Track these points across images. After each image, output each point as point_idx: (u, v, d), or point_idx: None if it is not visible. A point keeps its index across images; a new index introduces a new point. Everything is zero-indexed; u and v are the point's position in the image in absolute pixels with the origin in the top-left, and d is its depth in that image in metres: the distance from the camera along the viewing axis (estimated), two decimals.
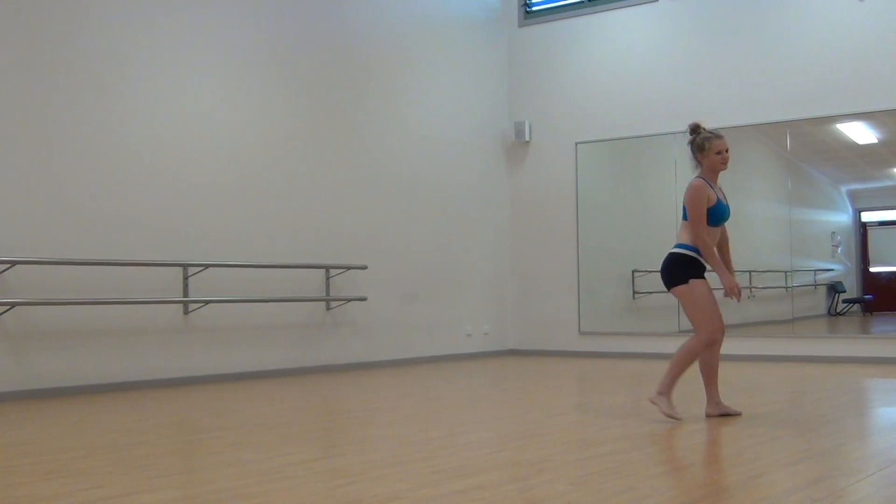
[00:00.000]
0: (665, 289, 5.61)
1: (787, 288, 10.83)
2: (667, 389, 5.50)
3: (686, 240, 5.44)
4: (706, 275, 5.52)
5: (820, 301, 11.59)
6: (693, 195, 5.39)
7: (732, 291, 5.37)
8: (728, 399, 6.84)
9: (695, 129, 5.59)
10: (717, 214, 5.44)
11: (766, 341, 10.62)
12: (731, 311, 11.60)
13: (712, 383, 5.68)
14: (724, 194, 5.61)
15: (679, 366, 5.50)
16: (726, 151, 5.52)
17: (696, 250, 5.40)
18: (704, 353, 5.60)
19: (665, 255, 5.57)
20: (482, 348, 11.68)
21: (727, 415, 5.67)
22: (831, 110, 10.23)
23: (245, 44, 9.16)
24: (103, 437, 5.27)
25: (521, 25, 12.26)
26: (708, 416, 5.67)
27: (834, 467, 4.15)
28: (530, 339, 12.00)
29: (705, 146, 5.51)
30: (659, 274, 5.64)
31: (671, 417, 5.43)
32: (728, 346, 10.62)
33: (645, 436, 5.02)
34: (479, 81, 11.90)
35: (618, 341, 11.31)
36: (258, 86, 9.27)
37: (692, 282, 5.38)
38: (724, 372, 8.97)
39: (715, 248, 5.48)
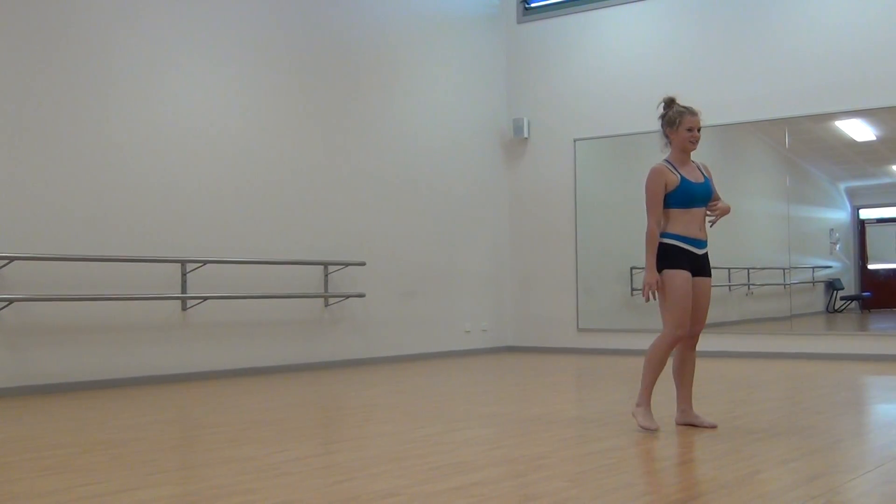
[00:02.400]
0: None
1: (785, 285, 10.83)
2: (644, 400, 5.07)
3: (665, 227, 5.08)
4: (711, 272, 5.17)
5: (818, 298, 11.60)
6: (648, 179, 5.13)
7: (644, 289, 5.00)
8: (728, 396, 6.85)
9: (669, 103, 5.30)
10: (683, 195, 5.05)
11: (764, 338, 10.62)
12: (729, 308, 11.65)
13: (685, 386, 5.24)
14: (705, 172, 5.26)
15: (650, 371, 5.08)
16: (698, 130, 5.21)
17: (677, 237, 5.02)
18: (676, 354, 5.22)
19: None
20: (480, 345, 11.68)
21: (694, 426, 5.18)
22: (830, 107, 10.23)
23: (242, 41, 9.15)
24: (101, 433, 5.27)
25: (519, 22, 12.25)
26: (676, 423, 5.26)
27: (831, 464, 4.16)
28: (528, 336, 12.00)
29: (677, 121, 5.22)
30: None
31: (646, 429, 4.98)
32: (726, 343, 10.72)
33: (643, 432, 5.02)
34: (478, 78, 11.89)
35: (616, 338, 11.31)
36: (256, 82, 9.26)
37: (665, 273, 4.99)
38: (724, 368, 8.99)
39: (687, 233, 5.04)
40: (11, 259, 7.17)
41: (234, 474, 4.00)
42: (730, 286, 11.47)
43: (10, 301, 7.16)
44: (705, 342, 10.72)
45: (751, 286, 11.48)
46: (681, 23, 11.15)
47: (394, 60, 10.76)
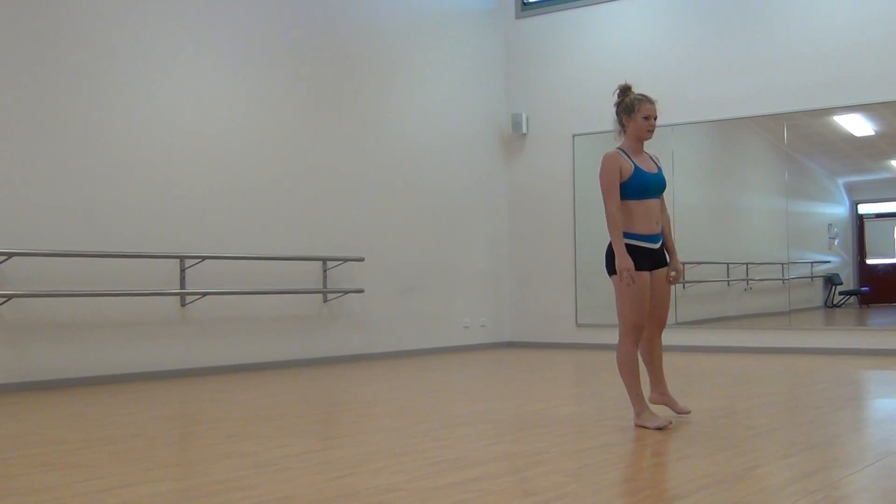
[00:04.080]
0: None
1: (784, 280, 10.84)
2: (641, 406, 5.00)
3: (624, 226, 5.05)
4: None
5: (817, 293, 11.61)
6: (602, 165, 5.02)
7: (620, 274, 4.92)
8: (727, 391, 6.85)
9: (625, 90, 5.17)
10: (637, 185, 4.97)
11: (763, 333, 10.63)
12: (728, 304, 11.66)
13: (656, 372, 5.28)
14: (656, 164, 5.17)
15: (627, 381, 5.01)
16: (654, 119, 5.10)
17: (637, 237, 4.99)
18: (643, 343, 5.20)
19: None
20: (479, 340, 11.69)
21: (670, 407, 5.29)
22: (828, 102, 10.23)
23: (240, 35, 9.14)
24: (100, 429, 5.27)
25: (518, 17, 12.24)
26: (652, 402, 5.28)
27: (830, 459, 4.16)
28: (527, 331, 12.01)
29: (634, 107, 5.07)
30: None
31: (660, 428, 4.88)
32: (725, 338, 10.73)
33: (641, 428, 5.02)
34: (476, 74, 11.89)
35: (615, 333, 11.24)
36: (254, 77, 9.26)
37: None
38: (724, 364, 9.00)
39: (641, 230, 5.02)
40: (10, 255, 7.17)
41: (234, 470, 4.00)
42: (728, 281, 11.48)
43: (9, 297, 7.16)
44: (704, 337, 10.81)
45: (749, 281, 11.48)
46: (679, 18, 11.14)
47: (392, 56, 10.75)
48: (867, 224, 12.00)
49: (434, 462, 4.12)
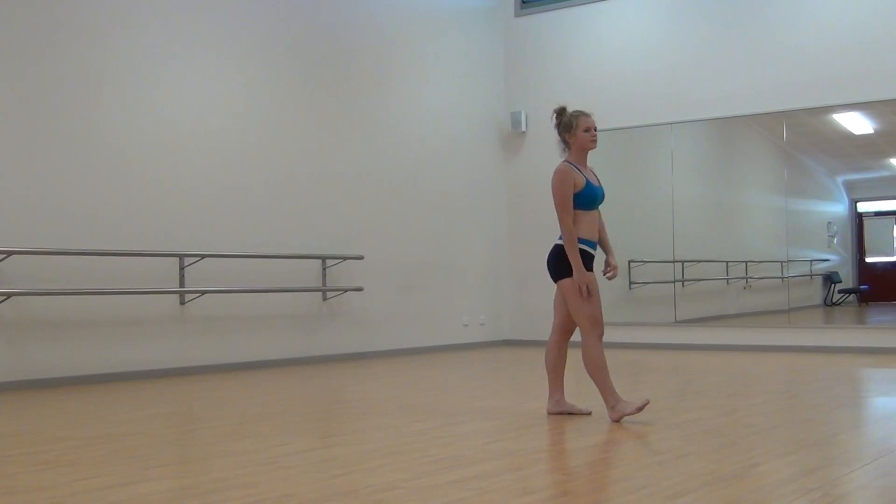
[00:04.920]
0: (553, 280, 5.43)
1: (783, 278, 10.84)
2: (613, 398, 5.13)
3: None
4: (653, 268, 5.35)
5: (816, 291, 11.61)
6: (557, 179, 5.22)
7: (580, 290, 5.16)
8: (726, 389, 6.86)
9: (561, 111, 5.45)
10: (587, 197, 5.24)
11: (762, 331, 10.63)
12: (727, 302, 11.66)
13: (557, 378, 5.41)
14: (596, 177, 5.44)
15: (599, 377, 5.16)
16: (595, 129, 5.36)
17: (583, 241, 5.23)
18: (555, 346, 5.41)
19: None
20: (478, 338, 11.69)
21: (570, 413, 5.36)
22: (827, 100, 10.22)
23: (239, 34, 9.14)
24: (100, 427, 5.27)
25: (517, 15, 12.23)
26: (549, 412, 5.40)
27: (829, 457, 4.16)
28: (526, 329, 12.00)
29: (573, 123, 5.34)
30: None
31: (638, 409, 5.06)
32: (724, 336, 10.72)
33: (640, 426, 5.03)
34: (476, 71, 11.88)
35: (614, 332, 11.24)
36: (253, 76, 9.25)
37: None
38: (723, 362, 9.00)
39: (586, 235, 5.26)
40: (9, 253, 7.17)
41: (233, 468, 4.00)
42: (727, 279, 11.48)
43: (8, 295, 7.16)
44: (703, 336, 10.81)
45: (748, 279, 11.49)
46: (678, 16, 11.14)
47: (391, 54, 10.74)
48: (866, 222, 12.01)
49: (433, 460, 4.12)
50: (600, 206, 5.49)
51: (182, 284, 8.40)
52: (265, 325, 9.16)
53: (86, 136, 7.86)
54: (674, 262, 11.09)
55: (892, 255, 11.94)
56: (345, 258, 9.81)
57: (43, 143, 7.58)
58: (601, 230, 5.45)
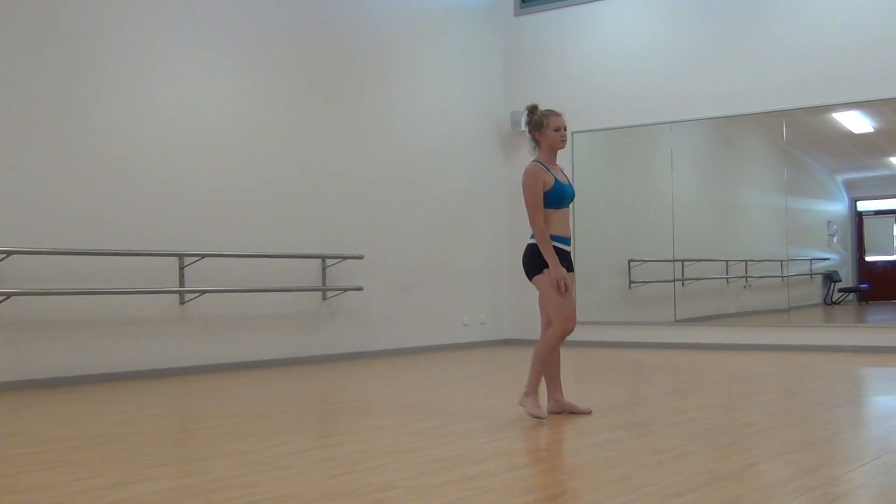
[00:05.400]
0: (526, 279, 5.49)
1: (782, 277, 10.84)
2: (533, 389, 5.25)
3: None
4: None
5: (816, 290, 11.61)
6: (527, 179, 5.28)
7: (557, 284, 5.19)
8: (726, 388, 6.86)
9: (532, 109, 5.49)
10: (557, 196, 5.29)
11: (762, 330, 10.64)
12: (727, 301, 11.66)
13: (554, 377, 5.50)
14: (565, 175, 5.50)
15: (539, 362, 5.29)
16: (564, 129, 5.44)
17: (555, 238, 5.27)
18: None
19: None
20: (478, 338, 11.69)
21: (572, 412, 5.42)
22: (827, 99, 10.23)
23: (239, 33, 9.14)
24: (100, 427, 5.27)
25: (516, 14, 12.23)
26: (549, 412, 5.44)
27: (829, 456, 4.17)
28: (526, 329, 11.99)
29: (544, 122, 5.40)
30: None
31: (536, 417, 5.19)
32: (724, 335, 10.73)
33: (641, 425, 5.03)
34: (475, 71, 11.88)
35: (614, 331, 11.32)
36: (252, 75, 9.25)
37: (547, 272, 5.22)
38: (723, 361, 9.00)
39: (558, 233, 5.30)
40: (9, 253, 7.17)
41: (233, 467, 4.00)
42: (727, 278, 11.48)
43: (8, 295, 7.16)
44: (703, 335, 10.82)
45: (748, 278, 11.49)
46: (678, 15, 11.14)
47: (390, 53, 10.74)
48: (866, 221, 12.01)
49: (433, 459, 4.12)
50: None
51: (182, 284, 8.40)
52: (265, 325, 9.16)
53: (86, 136, 7.85)
54: (674, 261, 11.10)
55: (892, 254, 11.94)
56: (345, 258, 9.81)
57: (43, 143, 7.58)
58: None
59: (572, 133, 11.73)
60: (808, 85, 10.26)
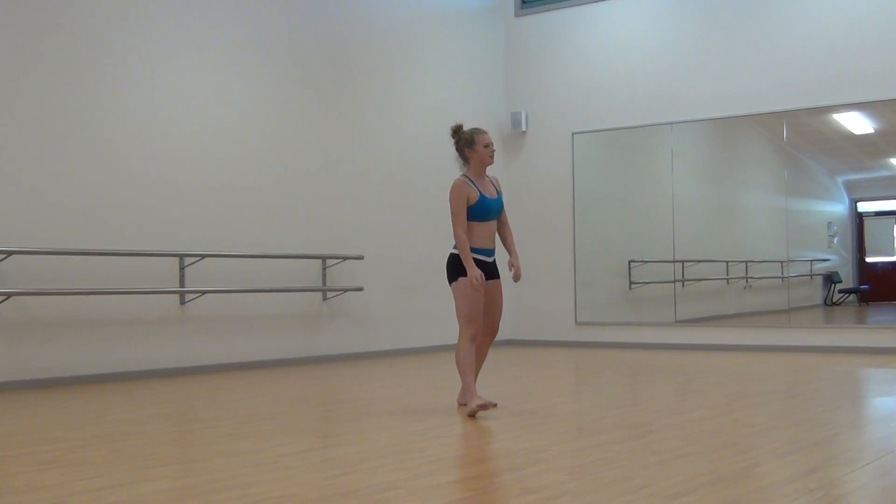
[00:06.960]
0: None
1: (783, 278, 10.84)
2: (469, 390, 5.59)
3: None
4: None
5: (816, 291, 11.61)
6: (453, 193, 5.60)
7: (472, 284, 5.51)
8: (726, 389, 6.86)
9: (458, 129, 5.77)
10: (481, 210, 5.62)
11: (762, 331, 10.64)
12: (727, 302, 11.65)
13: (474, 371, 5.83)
14: (497, 188, 5.80)
15: (464, 371, 5.61)
16: (492, 145, 5.73)
17: (475, 250, 5.63)
18: (478, 346, 5.85)
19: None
20: None
21: (484, 407, 5.58)
22: (828, 100, 10.23)
23: (239, 33, 9.14)
24: (100, 427, 5.27)
25: (517, 15, 12.24)
26: (459, 404, 5.91)
27: (830, 457, 4.16)
28: (527, 329, 12.01)
29: (475, 139, 5.68)
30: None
31: (485, 407, 5.47)
32: (725, 336, 10.73)
33: (641, 425, 5.03)
34: (476, 71, 11.88)
35: (614, 331, 11.32)
36: (253, 76, 9.25)
37: (460, 280, 5.58)
38: (723, 362, 9.00)
39: (480, 245, 5.65)
40: (9, 253, 7.17)
41: (233, 468, 4.00)
42: (728, 279, 11.48)
43: (8, 295, 7.16)
44: (703, 335, 10.82)
45: (749, 279, 11.48)
46: (679, 16, 11.14)
47: (391, 53, 10.74)
48: (867, 222, 12.00)
49: (433, 460, 4.12)
50: (509, 213, 5.96)
51: (182, 284, 8.40)
52: (265, 326, 9.16)
53: (86, 136, 7.86)
54: (674, 261, 11.09)
55: (893, 255, 11.93)
56: (345, 258, 9.81)
57: (43, 143, 7.58)
58: (507, 235, 5.91)
59: (572, 134, 11.77)
60: (809, 86, 10.26)
